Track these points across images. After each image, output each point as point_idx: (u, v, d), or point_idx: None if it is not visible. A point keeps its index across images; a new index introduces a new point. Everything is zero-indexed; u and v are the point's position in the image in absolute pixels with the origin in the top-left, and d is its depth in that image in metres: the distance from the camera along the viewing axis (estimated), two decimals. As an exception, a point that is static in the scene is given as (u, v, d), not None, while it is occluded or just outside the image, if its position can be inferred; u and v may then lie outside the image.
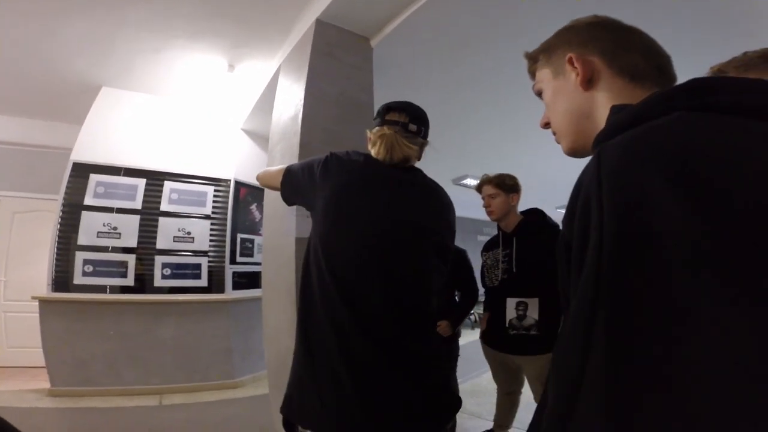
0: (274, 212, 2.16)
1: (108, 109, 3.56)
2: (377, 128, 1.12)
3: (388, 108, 1.13)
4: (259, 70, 3.22)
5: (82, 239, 3.22)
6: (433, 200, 1.07)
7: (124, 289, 3.31)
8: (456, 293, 2.37)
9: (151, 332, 3.33)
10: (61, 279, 3.15)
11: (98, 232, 3.27)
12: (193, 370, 3.42)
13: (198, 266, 3.58)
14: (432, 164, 1.13)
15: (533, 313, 1.84)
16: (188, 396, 3.25)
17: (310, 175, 1.03)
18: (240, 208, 3.89)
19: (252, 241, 3.98)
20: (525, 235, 1.96)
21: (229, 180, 3.84)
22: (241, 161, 4.00)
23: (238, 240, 3.83)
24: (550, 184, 5.36)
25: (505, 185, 1.99)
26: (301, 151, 1.90)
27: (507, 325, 1.88)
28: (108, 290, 3.26)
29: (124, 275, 3.32)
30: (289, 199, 1.15)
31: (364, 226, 0.93)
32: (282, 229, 2.02)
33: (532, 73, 0.65)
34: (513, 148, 4.54)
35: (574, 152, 0.59)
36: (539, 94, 0.64)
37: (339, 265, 0.90)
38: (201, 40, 2.85)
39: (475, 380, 3.63)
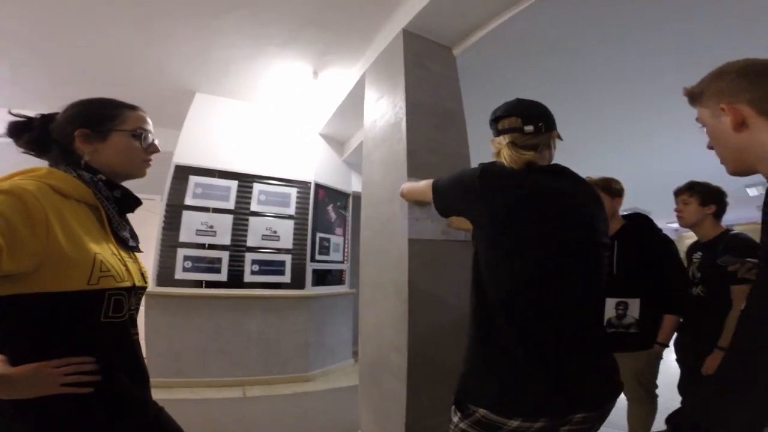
0: (376, 214, 2.30)
1: (202, 114, 3.85)
2: (493, 140, 1.16)
3: (497, 118, 1.15)
4: (342, 77, 3.39)
5: (183, 236, 3.53)
6: (594, 200, 1.09)
7: (218, 284, 3.59)
8: None
9: (240, 326, 3.58)
10: (165, 274, 3.47)
11: (197, 230, 3.58)
12: (273, 364, 3.63)
13: (282, 263, 3.83)
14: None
15: (634, 312, 1.90)
16: (267, 388, 3.43)
17: (465, 192, 1.10)
18: (319, 209, 4.12)
19: (328, 240, 4.20)
20: (628, 239, 1.97)
21: (310, 182, 4.07)
22: (319, 164, 4.23)
23: (318, 239, 4.06)
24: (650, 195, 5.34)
25: (611, 189, 2.02)
26: (409, 159, 2.02)
27: (605, 324, 1.91)
28: (204, 285, 3.56)
29: (218, 271, 3.62)
30: (444, 212, 1.26)
31: (539, 244, 0.98)
32: (385, 230, 2.16)
33: (693, 105, 0.79)
34: (610, 155, 4.49)
35: (737, 174, 0.74)
36: (702, 123, 0.77)
37: (511, 291, 0.98)
38: (291, 47, 3.03)
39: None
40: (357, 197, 4.65)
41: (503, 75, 2.88)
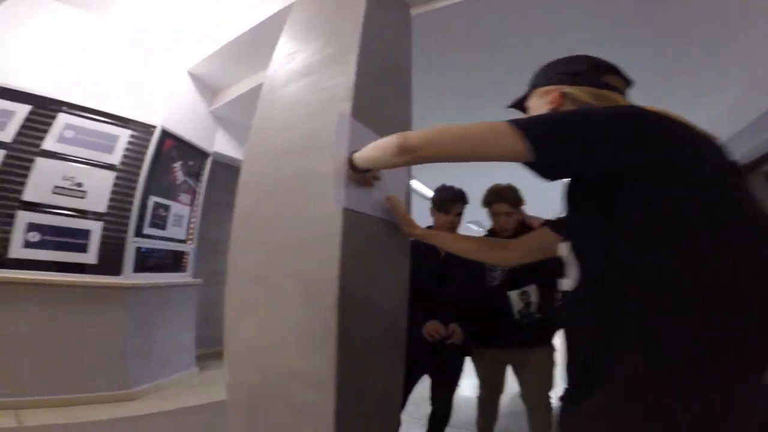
0: (270, 171, 1.55)
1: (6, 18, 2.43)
2: (594, 89, 0.83)
3: (605, 67, 0.86)
4: (255, 3, 2.49)
5: None
6: None
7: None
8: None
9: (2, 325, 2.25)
10: None
11: None
12: (69, 378, 2.44)
13: (86, 234, 2.56)
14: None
15: (534, 298, 1.91)
16: (63, 412, 2.29)
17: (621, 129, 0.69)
18: (160, 164, 2.95)
19: (167, 208, 3.05)
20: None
21: (154, 126, 2.89)
22: (174, 107, 3.09)
23: (151, 204, 2.88)
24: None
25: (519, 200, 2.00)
26: (357, 94, 1.39)
27: (517, 317, 1.89)
28: None
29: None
30: (561, 169, 0.75)
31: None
32: (287, 196, 1.45)
33: None
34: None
35: None
36: None
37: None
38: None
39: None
40: (219, 163, 3.62)
41: (460, 54, 2.52)
